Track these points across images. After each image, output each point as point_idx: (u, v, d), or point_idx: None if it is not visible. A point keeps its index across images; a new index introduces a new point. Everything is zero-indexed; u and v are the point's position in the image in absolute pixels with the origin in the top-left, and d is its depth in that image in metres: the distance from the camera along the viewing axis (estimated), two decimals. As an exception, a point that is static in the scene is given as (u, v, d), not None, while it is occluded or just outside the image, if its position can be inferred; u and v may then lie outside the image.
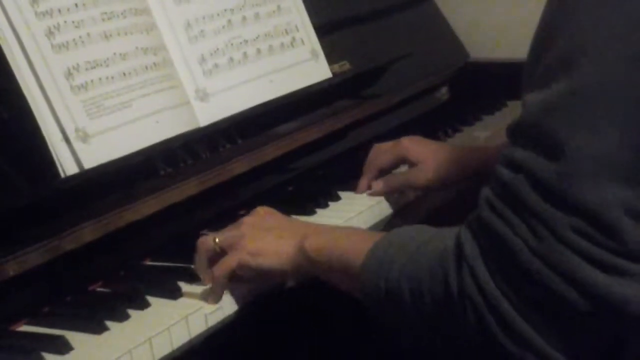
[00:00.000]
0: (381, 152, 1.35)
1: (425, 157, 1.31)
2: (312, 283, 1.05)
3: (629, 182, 0.76)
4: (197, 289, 1.07)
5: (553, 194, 0.78)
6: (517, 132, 0.82)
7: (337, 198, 1.32)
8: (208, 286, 1.06)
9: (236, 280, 1.06)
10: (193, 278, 1.09)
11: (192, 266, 1.10)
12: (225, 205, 1.29)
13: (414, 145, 1.33)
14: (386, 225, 1.29)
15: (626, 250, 0.77)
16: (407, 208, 1.33)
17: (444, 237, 0.88)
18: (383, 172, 1.35)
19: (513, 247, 0.79)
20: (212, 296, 1.05)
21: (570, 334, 0.80)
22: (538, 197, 0.78)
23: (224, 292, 1.05)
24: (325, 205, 1.30)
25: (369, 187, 1.33)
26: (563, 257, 0.77)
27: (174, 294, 1.06)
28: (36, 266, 1.04)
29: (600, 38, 0.77)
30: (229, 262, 1.05)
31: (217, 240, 1.07)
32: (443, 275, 0.84)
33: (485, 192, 0.84)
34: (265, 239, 1.06)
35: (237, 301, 1.06)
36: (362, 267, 0.93)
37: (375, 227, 1.27)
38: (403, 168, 1.36)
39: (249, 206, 1.31)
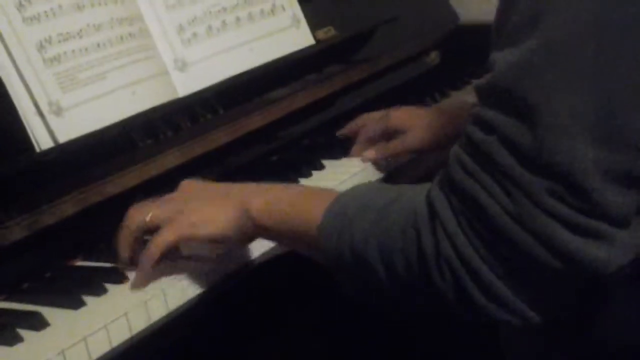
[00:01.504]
0: (370, 122, 1.34)
1: (413, 123, 1.30)
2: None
3: (604, 143, 0.75)
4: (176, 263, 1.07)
5: (527, 157, 0.77)
6: (488, 92, 0.80)
7: (322, 167, 1.31)
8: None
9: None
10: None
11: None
12: (207, 177, 1.27)
13: (402, 114, 1.32)
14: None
15: (600, 213, 0.76)
16: (392, 176, 1.32)
17: (412, 197, 0.86)
18: (372, 142, 1.33)
19: (487, 208, 0.79)
20: (139, 278, 0.98)
21: (545, 294, 0.81)
22: (512, 160, 0.77)
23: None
24: (309, 175, 1.29)
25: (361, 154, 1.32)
26: (538, 220, 0.77)
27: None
28: (15, 241, 1.03)
29: None
30: (166, 237, 0.97)
31: (149, 217, 0.99)
32: (416, 237, 0.83)
33: (456, 150, 0.83)
34: (204, 208, 0.98)
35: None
36: (320, 229, 0.90)
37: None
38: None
39: (231, 177, 1.30)
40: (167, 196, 1.03)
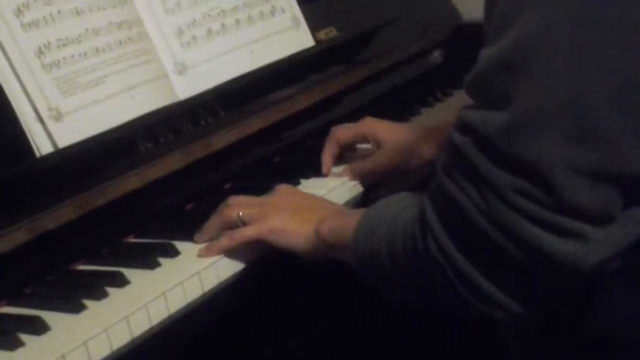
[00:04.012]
0: (341, 129, 1.30)
1: (390, 137, 1.27)
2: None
3: (575, 141, 0.76)
4: (178, 265, 1.07)
5: (495, 151, 0.78)
6: (469, 87, 0.83)
7: (324, 167, 1.31)
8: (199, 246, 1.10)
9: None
10: (175, 254, 1.09)
11: (173, 241, 1.10)
12: (210, 179, 1.28)
13: (378, 124, 1.29)
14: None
15: (571, 210, 0.77)
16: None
17: (414, 205, 0.91)
18: (344, 148, 1.30)
19: (463, 209, 0.81)
20: (210, 252, 1.07)
21: (528, 288, 0.82)
22: (482, 157, 0.79)
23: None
24: (312, 176, 1.29)
25: (330, 165, 1.29)
26: (507, 217, 0.78)
27: (153, 269, 1.05)
28: (17, 246, 1.03)
29: None
30: (248, 232, 1.08)
31: (241, 214, 1.10)
32: (413, 241, 0.88)
33: (442, 157, 0.86)
34: (286, 219, 1.09)
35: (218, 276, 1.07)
36: (352, 239, 0.98)
37: (359, 197, 1.26)
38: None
39: (234, 179, 1.31)
40: (262, 197, 1.14)
